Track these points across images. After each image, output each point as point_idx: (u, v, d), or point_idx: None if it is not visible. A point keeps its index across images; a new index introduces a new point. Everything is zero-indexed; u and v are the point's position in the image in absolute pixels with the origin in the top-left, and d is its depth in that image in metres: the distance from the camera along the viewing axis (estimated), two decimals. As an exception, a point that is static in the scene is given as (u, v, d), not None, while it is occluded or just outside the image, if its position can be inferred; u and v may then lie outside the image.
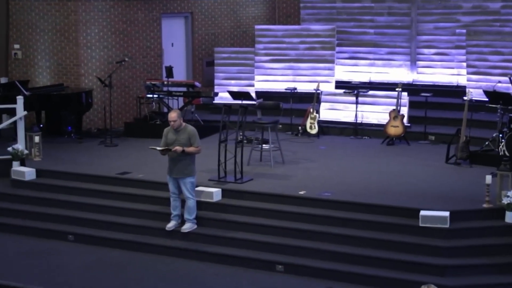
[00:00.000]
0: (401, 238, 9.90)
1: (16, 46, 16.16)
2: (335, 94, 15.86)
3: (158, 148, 10.48)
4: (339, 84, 16.82)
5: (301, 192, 10.98)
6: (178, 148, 10.33)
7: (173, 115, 10.43)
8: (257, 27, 17.71)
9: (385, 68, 17.22)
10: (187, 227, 10.67)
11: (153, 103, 15.79)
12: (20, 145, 12.79)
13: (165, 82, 15.57)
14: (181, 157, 10.40)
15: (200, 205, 10.85)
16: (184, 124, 10.59)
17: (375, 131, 15.01)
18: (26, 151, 12.86)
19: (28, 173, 12.42)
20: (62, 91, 14.96)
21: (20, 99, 13.05)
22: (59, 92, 14.83)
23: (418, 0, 16.91)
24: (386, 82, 16.92)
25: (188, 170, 10.48)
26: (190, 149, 10.42)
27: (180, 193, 10.62)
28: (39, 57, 15.95)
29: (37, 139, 13.23)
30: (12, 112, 13.43)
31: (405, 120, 14.54)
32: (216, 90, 16.66)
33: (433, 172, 12.19)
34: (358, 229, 10.18)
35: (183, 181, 10.48)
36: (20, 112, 13.01)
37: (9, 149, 12.69)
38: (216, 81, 17.18)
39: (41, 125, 14.98)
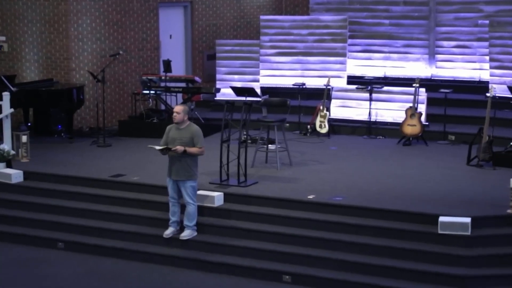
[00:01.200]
0: (418, 247, 9.89)
1: (2, 38, 16.17)
2: (347, 90, 15.85)
3: (157, 147, 10.47)
4: (351, 80, 16.81)
5: (310, 197, 10.97)
6: (179, 148, 10.33)
7: (177, 108, 10.48)
8: (262, 17, 17.70)
9: (401, 62, 17.20)
10: (186, 234, 10.67)
11: (150, 100, 15.80)
12: (6, 145, 12.80)
13: (163, 77, 15.56)
14: (182, 157, 10.39)
15: (201, 210, 10.85)
16: (188, 122, 10.58)
17: (390, 130, 15.00)
18: (12, 152, 12.87)
19: (15, 175, 12.42)
20: (52, 87, 14.97)
21: (6, 96, 13.06)
22: (48, 88, 14.84)
23: (437, -11, 16.93)
24: (402, 77, 16.90)
25: (189, 173, 10.46)
26: (193, 149, 10.42)
27: (179, 197, 10.62)
28: (26, 50, 15.96)
29: (24, 138, 13.24)
30: (-3, 110, 13.45)
31: (422, 118, 14.52)
32: (217, 86, 16.66)
33: (453, 175, 12.17)
34: (371, 237, 10.17)
35: (183, 184, 10.47)
36: (6, 109, 13.01)
37: (-6, 149, 12.73)
38: (218, 76, 17.18)
39: (29, 124, 15.01)
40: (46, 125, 15.28)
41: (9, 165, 12.73)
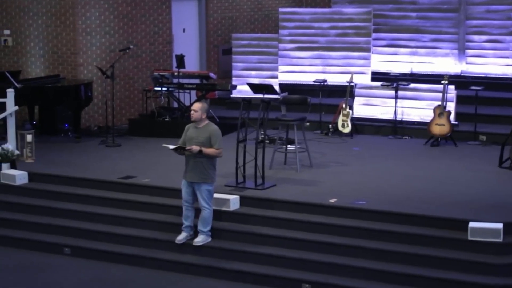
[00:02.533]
0: (447, 254, 9.85)
1: (6, 32, 16.24)
2: (371, 87, 15.81)
3: (171, 147, 10.47)
4: (376, 76, 16.76)
5: (332, 200, 10.95)
6: (194, 147, 10.32)
7: (195, 105, 10.52)
8: (281, 10, 17.68)
9: (429, 57, 17.13)
10: (200, 239, 10.67)
11: (162, 97, 15.81)
12: (10, 145, 12.85)
13: (176, 73, 15.58)
14: (198, 158, 10.38)
15: (215, 214, 10.84)
16: (207, 121, 10.58)
17: (417, 130, 14.96)
18: (17, 152, 12.92)
19: (19, 176, 12.47)
20: (58, 83, 15.02)
21: (10, 92, 13.11)
22: (55, 84, 14.89)
23: (467, -21, 16.85)
24: (430, 73, 16.84)
25: (206, 175, 10.45)
26: (209, 150, 10.41)
27: (194, 201, 10.61)
28: (31, 45, 16.02)
29: (29, 138, 13.29)
30: (1, 107, 13.48)
31: (451, 117, 14.47)
32: (234, 83, 16.66)
33: (484, 177, 12.11)
34: (396, 243, 10.14)
35: (198, 187, 10.47)
36: (11, 107, 13.06)
37: (-3, 149, 12.78)
38: (234, 72, 17.19)
39: (34, 122, 15.07)
40: (52, 124, 15.33)
41: (13, 166, 12.77)
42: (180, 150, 10.45)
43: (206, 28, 17.66)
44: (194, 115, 10.48)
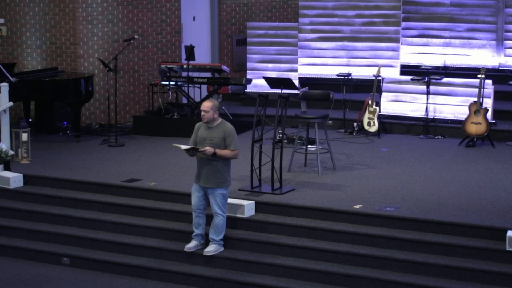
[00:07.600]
0: (483, 266, 9.84)
1: (0, 20, 16.29)
2: (400, 82, 15.79)
3: (183, 147, 10.47)
4: (406, 69, 16.74)
5: (357, 207, 10.96)
6: (208, 149, 10.32)
7: (206, 105, 10.44)
8: (301, -4, 17.71)
9: (464, 49, 17.08)
10: (211, 249, 10.69)
11: (169, 92, 15.84)
12: (4, 145, 12.89)
13: (185, 66, 15.61)
14: (212, 161, 10.39)
15: (228, 221, 10.85)
16: (220, 120, 10.58)
17: (451, 129, 14.94)
18: (11, 152, 12.96)
19: (14, 179, 12.51)
20: (56, 77, 15.06)
21: (4, 87, 13.15)
22: (52, 78, 14.93)
23: (507, -38, 16.80)
24: (465, 66, 16.79)
25: (221, 179, 10.47)
26: (224, 152, 10.42)
27: (205, 207, 10.62)
28: (28, 34, 16.07)
29: (24, 136, 13.33)
30: (-7, 103, 13.58)
31: (489, 115, 14.44)
32: (249, 76, 16.68)
33: (526, 182, 12.12)
34: (429, 254, 10.14)
35: (212, 192, 10.47)
36: (4, 102, 13.11)
37: (-10, 149, 12.83)
38: (249, 65, 17.20)
39: (30, 120, 15.12)
40: (49, 121, 15.37)
41: (7, 168, 12.81)
42: (192, 151, 10.43)
43: (218, 17, 17.68)
44: (206, 116, 10.42)
